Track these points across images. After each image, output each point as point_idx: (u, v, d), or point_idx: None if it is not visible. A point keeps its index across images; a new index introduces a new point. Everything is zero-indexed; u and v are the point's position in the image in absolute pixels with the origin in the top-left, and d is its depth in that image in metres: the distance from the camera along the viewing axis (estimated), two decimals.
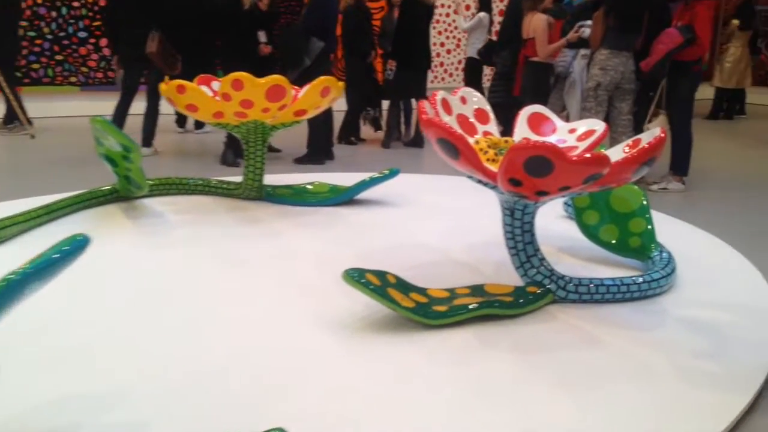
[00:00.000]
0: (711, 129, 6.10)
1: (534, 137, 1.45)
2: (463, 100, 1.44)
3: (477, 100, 1.45)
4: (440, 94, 1.38)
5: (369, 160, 4.28)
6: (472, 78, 5.68)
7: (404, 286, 1.20)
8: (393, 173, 2.18)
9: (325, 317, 1.22)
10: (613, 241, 1.54)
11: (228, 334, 1.20)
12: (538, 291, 1.26)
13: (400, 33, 4.50)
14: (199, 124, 5.31)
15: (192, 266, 1.55)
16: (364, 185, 2.19)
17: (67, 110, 6.91)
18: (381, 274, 1.17)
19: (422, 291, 1.23)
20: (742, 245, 1.77)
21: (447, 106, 1.38)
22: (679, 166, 3.49)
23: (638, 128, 3.27)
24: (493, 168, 1.19)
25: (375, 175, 2.20)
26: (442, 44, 10.34)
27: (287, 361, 1.11)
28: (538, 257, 1.28)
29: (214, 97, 1.94)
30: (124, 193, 2.12)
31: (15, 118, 4.87)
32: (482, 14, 5.60)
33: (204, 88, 2.05)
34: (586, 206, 1.54)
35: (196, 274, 1.50)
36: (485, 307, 1.18)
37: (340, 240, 1.77)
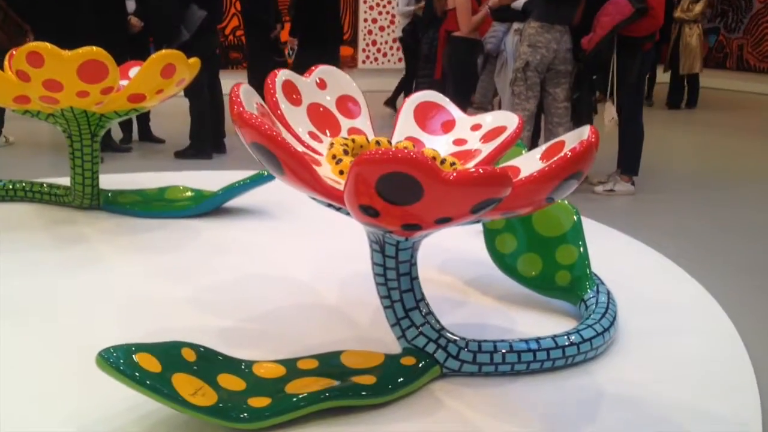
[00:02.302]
0: (660, 119, 5.96)
1: (421, 136, 1.12)
2: (321, 83, 1.09)
3: (343, 83, 1.11)
4: (282, 75, 1.03)
5: None
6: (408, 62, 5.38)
7: (209, 366, 0.85)
8: (271, 176, 1.83)
9: (80, 415, 0.84)
10: (534, 274, 1.23)
11: None
12: (418, 364, 0.94)
13: (301, 3, 4.11)
14: None
15: None
16: (233, 191, 1.83)
17: None
18: (169, 351, 0.82)
19: (243, 369, 0.88)
20: (704, 271, 1.50)
21: (292, 92, 1.03)
22: (628, 164, 3.25)
23: (581, 118, 3.01)
24: (342, 185, 0.86)
25: (247, 178, 1.85)
26: (375, 21, 10.04)
27: None
28: (420, 312, 0.96)
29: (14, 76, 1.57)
30: None
31: None
32: None
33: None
34: (500, 228, 1.23)
35: None
36: (334, 397, 0.84)
37: (177, 271, 1.40)
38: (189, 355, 0.82)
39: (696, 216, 2.75)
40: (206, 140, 3.49)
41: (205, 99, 3.48)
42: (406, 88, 5.53)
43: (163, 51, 1.60)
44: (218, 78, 3.62)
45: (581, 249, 1.18)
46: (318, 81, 1.06)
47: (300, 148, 0.92)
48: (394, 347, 0.98)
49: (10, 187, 1.88)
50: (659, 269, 1.47)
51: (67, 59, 1.44)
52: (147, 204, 1.85)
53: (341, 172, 0.88)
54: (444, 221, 0.78)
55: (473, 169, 0.72)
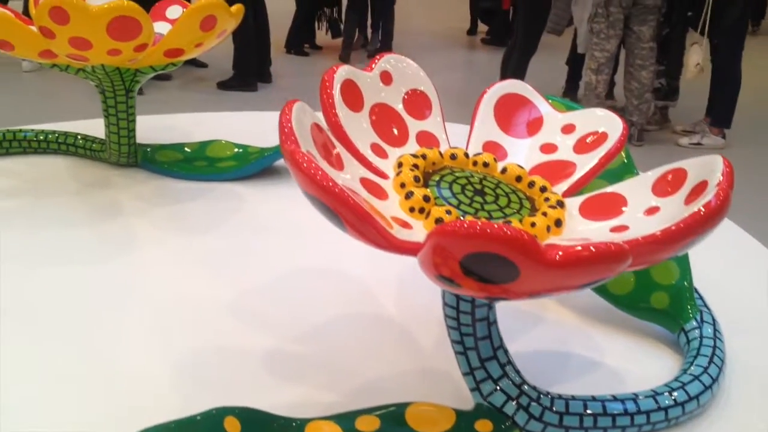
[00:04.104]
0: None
1: (502, 140, 0.98)
2: (386, 77, 0.94)
3: (410, 75, 0.96)
4: (342, 73, 0.89)
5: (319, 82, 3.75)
6: None
7: None
8: None
9: None
10: (625, 293, 1.10)
11: None
12: (495, 430, 0.83)
13: None
14: None
15: None
16: (280, 152, 1.70)
17: None
18: (210, 426, 0.73)
19: None
20: None
21: (353, 95, 0.89)
22: (720, 114, 2.99)
23: (669, 61, 2.75)
24: (414, 231, 0.73)
25: None
26: None
27: None
28: (498, 362, 0.85)
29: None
30: None
31: None
32: None
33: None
34: None
35: None
36: None
37: (217, 260, 1.28)
38: (233, 427, 0.72)
39: None
40: (251, 70, 3.35)
41: (249, 25, 3.31)
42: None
43: (203, 1, 1.45)
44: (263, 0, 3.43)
45: (684, 267, 1.05)
46: (382, 74, 0.92)
47: (362, 175, 0.79)
48: (463, 386, 0.88)
49: (42, 138, 1.78)
50: (764, 268, 1.32)
51: (94, 15, 1.31)
52: (187, 163, 1.74)
53: (412, 209, 0.75)
54: (540, 296, 0.66)
55: (580, 247, 0.58)
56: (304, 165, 0.63)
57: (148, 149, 1.72)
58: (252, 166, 1.68)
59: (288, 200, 1.56)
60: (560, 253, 0.58)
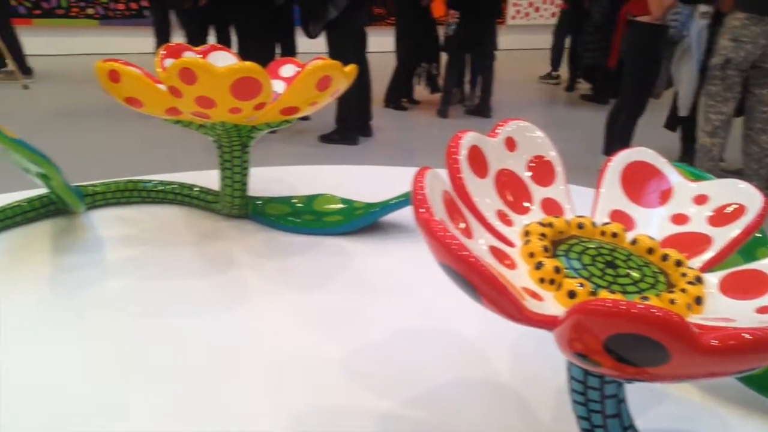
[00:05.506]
0: None
1: (630, 209, 0.95)
2: (510, 143, 0.93)
3: (535, 141, 0.95)
4: (468, 139, 0.88)
5: (419, 136, 3.77)
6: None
7: None
8: None
9: None
10: (757, 371, 1.03)
11: None
12: None
13: None
14: None
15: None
16: (387, 209, 1.71)
17: (84, 47, 6.70)
18: None
19: None
20: None
21: (478, 161, 0.89)
22: None
23: None
24: (545, 302, 0.71)
25: (404, 195, 1.72)
26: None
27: None
28: None
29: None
30: (62, 206, 1.74)
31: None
32: None
33: (166, 64, 1.61)
34: None
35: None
36: None
37: (326, 317, 1.30)
38: None
39: None
40: (353, 124, 3.41)
41: (353, 82, 3.39)
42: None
43: (319, 62, 1.49)
44: (365, 57, 3.50)
45: None
46: (506, 140, 0.91)
47: (490, 243, 0.77)
48: None
49: (161, 188, 1.86)
50: None
51: (220, 76, 1.36)
52: (295, 216, 1.77)
53: (542, 280, 0.73)
54: (680, 381, 0.62)
55: (731, 334, 0.55)
56: (440, 234, 0.62)
57: (258, 202, 1.76)
58: (358, 221, 1.69)
59: (393, 258, 1.56)
60: (716, 338, 0.54)
